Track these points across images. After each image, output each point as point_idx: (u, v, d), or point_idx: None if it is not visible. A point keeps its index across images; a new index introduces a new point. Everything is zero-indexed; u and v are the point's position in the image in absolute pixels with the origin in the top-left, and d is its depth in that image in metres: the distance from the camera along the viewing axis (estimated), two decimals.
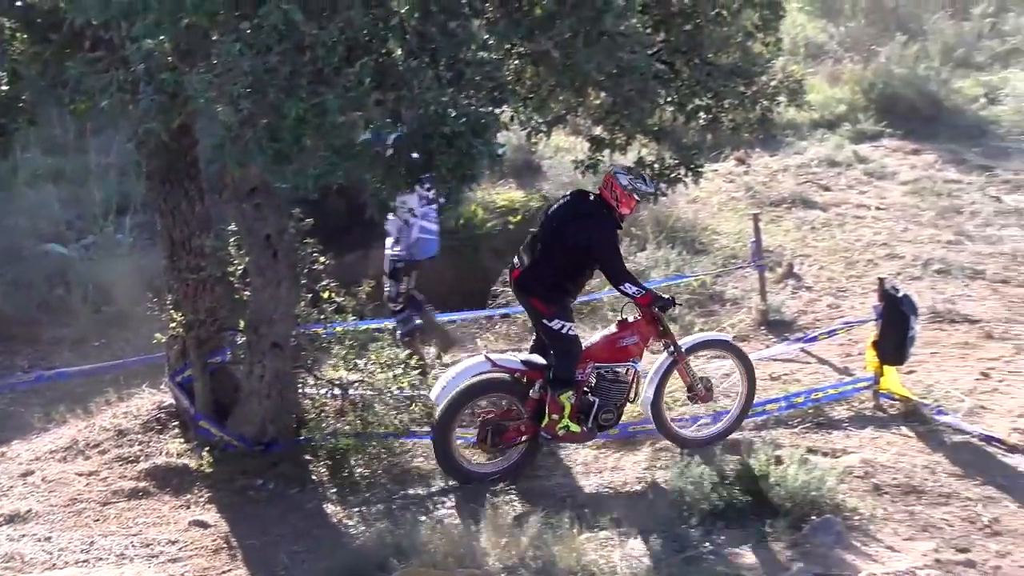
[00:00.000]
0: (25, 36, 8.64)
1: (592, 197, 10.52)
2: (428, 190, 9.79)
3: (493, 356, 11.09)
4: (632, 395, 10.91)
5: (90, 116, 8.80)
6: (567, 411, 10.54)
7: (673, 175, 9.89)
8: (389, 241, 12.85)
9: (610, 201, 10.17)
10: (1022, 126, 17.67)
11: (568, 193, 10.99)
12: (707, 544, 9.70)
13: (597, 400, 10.68)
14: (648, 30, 8.55)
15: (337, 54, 7.27)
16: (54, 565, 9.63)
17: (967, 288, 14.13)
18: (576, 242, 10.25)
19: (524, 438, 10.86)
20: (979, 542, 10.11)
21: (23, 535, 10.17)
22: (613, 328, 10.93)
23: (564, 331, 10.45)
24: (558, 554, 9.26)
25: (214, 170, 10.17)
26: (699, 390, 11.10)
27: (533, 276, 10.58)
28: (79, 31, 8.14)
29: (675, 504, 10.06)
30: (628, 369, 10.80)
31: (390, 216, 10.11)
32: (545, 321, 10.46)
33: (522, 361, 10.84)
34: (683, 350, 10.98)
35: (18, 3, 8.45)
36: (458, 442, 10.92)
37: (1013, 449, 11.27)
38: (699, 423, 11.56)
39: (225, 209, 10.78)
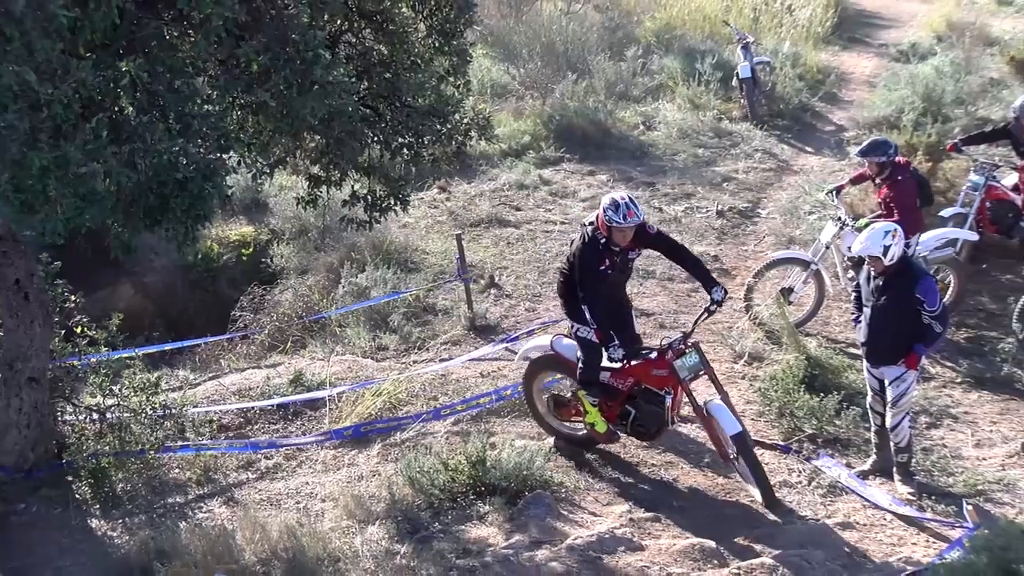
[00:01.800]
0: None
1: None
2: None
3: (555, 341, 11.09)
4: (668, 419, 10.43)
5: None
6: (588, 409, 10.57)
7: (384, 204, 9.87)
8: None
9: (603, 231, 10.07)
10: (674, 148, 18.14)
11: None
12: (436, 525, 9.73)
13: (633, 412, 10.49)
14: (353, 79, 8.52)
15: (73, 111, 7.09)
16: None
17: (642, 287, 14.42)
18: (569, 259, 10.52)
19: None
20: (663, 499, 10.38)
21: None
22: (654, 355, 10.40)
23: (580, 335, 10.41)
24: (306, 544, 9.18)
25: None
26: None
27: (560, 287, 10.77)
28: None
29: (407, 492, 10.06)
30: (665, 394, 10.31)
31: None
32: (569, 326, 10.69)
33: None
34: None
35: None
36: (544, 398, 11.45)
37: (684, 420, 11.56)
38: None
39: None
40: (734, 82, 19.54)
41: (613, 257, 10.27)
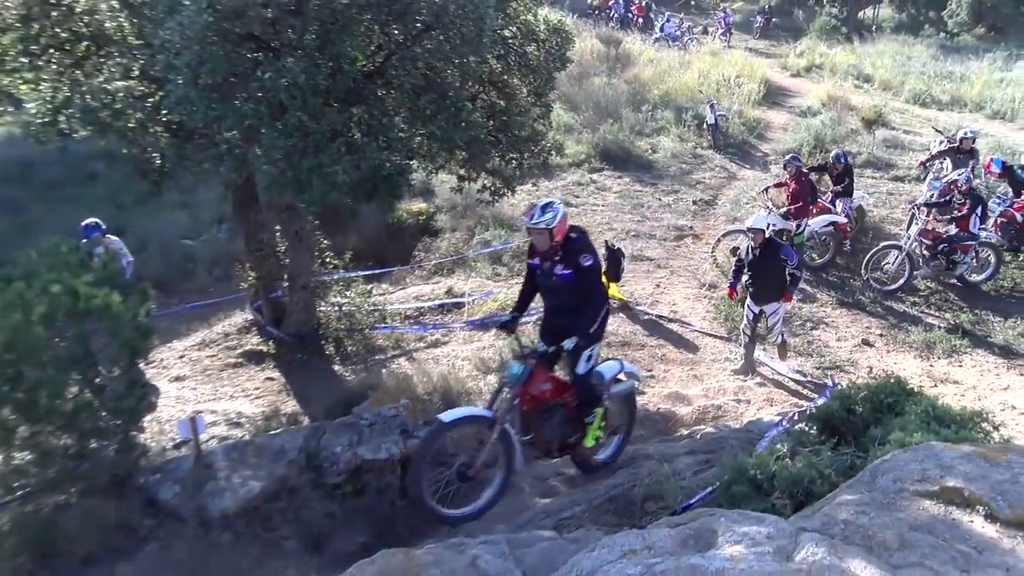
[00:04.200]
0: (165, 134, 8.37)
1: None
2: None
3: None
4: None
5: (200, 174, 8.57)
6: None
7: (501, 192, 9.89)
8: None
9: None
10: (668, 164, 17.92)
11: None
12: None
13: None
14: (484, 119, 8.51)
15: (326, 137, 7.22)
16: (199, 401, 9.49)
17: (647, 243, 14.34)
18: None
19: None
20: (657, 365, 10.38)
21: (182, 387, 10.01)
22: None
23: None
24: (452, 384, 9.28)
25: (266, 198, 9.96)
26: None
27: None
28: (190, 130, 7.92)
29: (509, 356, 10.11)
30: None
31: None
32: None
33: None
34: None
35: (167, 120, 8.21)
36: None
37: (669, 320, 11.52)
38: None
39: (271, 217, 10.60)
40: (704, 126, 19.26)
41: (541, 258, 6.64)
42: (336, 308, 11.27)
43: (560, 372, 6.96)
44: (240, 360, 10.71)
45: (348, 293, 11.43)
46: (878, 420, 5.68)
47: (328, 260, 11.35)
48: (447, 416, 6.21)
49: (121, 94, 8.15)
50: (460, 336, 11.20)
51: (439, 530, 5.92)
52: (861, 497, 4.01)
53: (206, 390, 9.93)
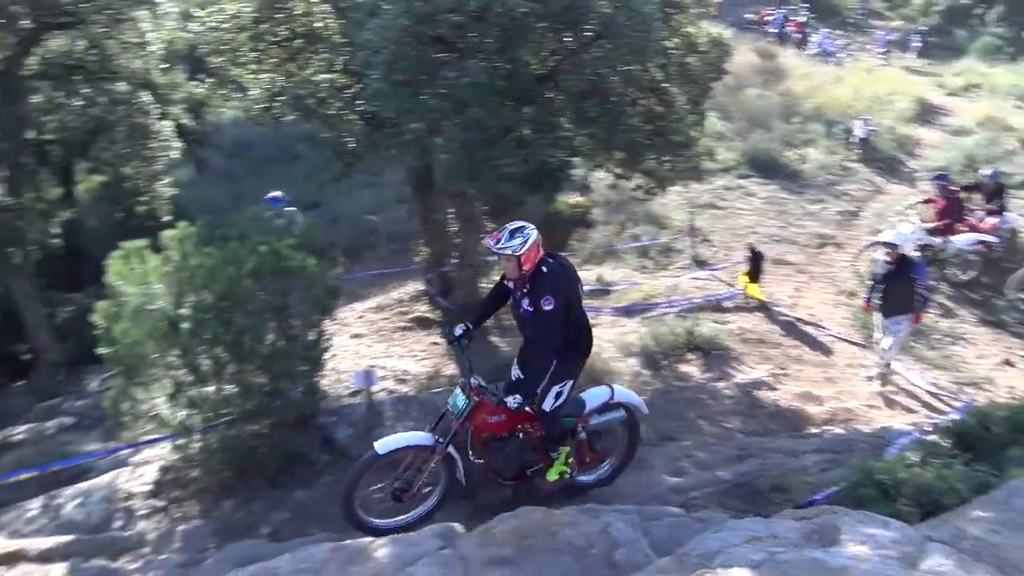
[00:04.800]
0: (360, 122, 8.69)
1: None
2: None
3: None
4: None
5: (388, 158, 8.86)
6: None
7: (654, 190, 9.70)
8: None
9: None
10: (815, 175, 17.01)
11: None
12: (664, 362, 9.62)
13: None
14: (642, 124, 8.36)
15: (500, 132, 7.27)
16: (372, 357, 9.82)
17: (789, 248, 13.78)
18: None
19: None
20: (791, 365, 9.95)
21: (359, 343, 10.40)
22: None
23: None
24: (596, 365, 9.21)
25: (442, 184, 10.18)
26: None
27: None
28: (382, 120, 8.17)
29: (650, 343, 9.91)
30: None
31: None
32: None
33: None
34: None
35: (362, 110, 8.51)
36: None
37: (806, 323, 11.01)
38: None
39: (445, 200, 10.80)
40: (853, 140, 18.17)
41: (514, 284, 5.42)
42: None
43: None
44: (410, 324, 11.01)
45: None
46: (1017, 441, 5.20)
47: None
48: (382, 447, 5.22)
49: (325, 85, 8.55)
50: (607, 320, 11.11)
51: (573, 494, 5.88)
52: (995, 515, 3.68)
53: (379, 348, 10.28)
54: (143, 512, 6.63)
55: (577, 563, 3.84)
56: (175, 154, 14.74)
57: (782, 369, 9.72)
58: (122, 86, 12.63)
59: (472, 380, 5.39)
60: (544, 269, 5.19)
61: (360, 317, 11.38)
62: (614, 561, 3.86)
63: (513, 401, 5.20)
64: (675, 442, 7.39)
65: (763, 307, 11.38)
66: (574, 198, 15.72)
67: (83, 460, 7.59)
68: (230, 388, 6.58)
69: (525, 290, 5.22)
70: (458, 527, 4.11)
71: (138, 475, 7.10)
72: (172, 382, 6.52)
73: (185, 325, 6.30)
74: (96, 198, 14.87)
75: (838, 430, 8.15)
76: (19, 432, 9.47)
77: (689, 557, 3.59)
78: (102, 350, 6.56)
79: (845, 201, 15.90)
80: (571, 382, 5.42)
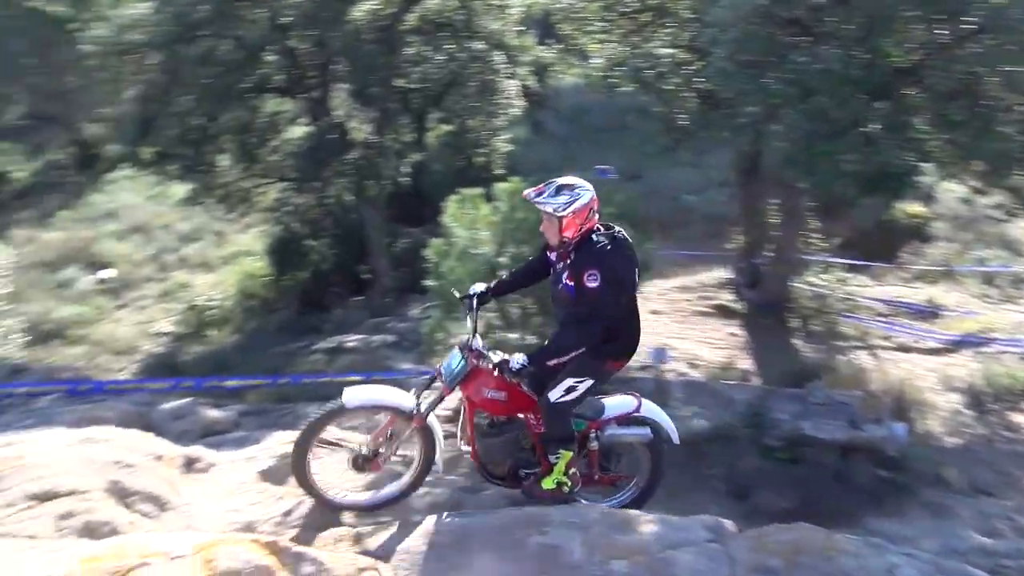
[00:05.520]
0: (696, 99, 8.68)
1: None
2: None
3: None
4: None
5: (718, 139, 8.78)
6: None
7: (1016, 213, 8.58)
8: None
9: None
10: None
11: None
12: (993, 406, 8.55)
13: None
14: (1016, 133, 7.33)
15: (845, 127, 6.85)
16: (668, 336, 9.81)
17: None
18: None
19: None
20: None
21: (657, 320, 10.47)
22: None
23: None
24: (903, 387, 8.43)
25: (771, 173, 9.83)
26: None
27: None
28: (719, 99, 8.06)
29: (981, 382, 8.86)
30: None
31: None
32: None
33: None
34: None
35: (699, 88, 8.50)
36: None
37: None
38: None
39: (770, 190, 10.43)
40: None
41: (556, 255, 4.31)
42: (810, 287, 10.84)
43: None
44: (710, 311, 10.89)
45: (825, 276, 10.93)
46: None
47: (814, 241, 10.92)
48: (351, 399, 4.30)
49: (666, 60, 8.66)
50: (929, 346, 10.08)
51: (862, 521, 5.51)
52: None
53: (675, 328, 10.30)
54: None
55: None
56: (516, 112, 15.75)
57: None
58: (479, 44, 13.76)
59: (474, 342, 4.36)
60: (594, 237, 4.19)
61: (662, 295, 11.46)
62: None
63: (516, 362, 4.13)
64: (991, 498, 6.62)
65: None
66: (915, 207, 14.31)
67: (398, 376, 8.58)
68: (532, 339, 7.02)
69: (568, 261, 4.22)
70: (729, 524, 4.04)
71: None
72: (483, 323, 7.09)
73: (502, 274, 6.79)
74: (442, 145, 16.39)
75: None
76: (352, 340, 10.96)
77: None
78: (428, 282, 7.33)
79: None
80: (592, 382, 4.32)
